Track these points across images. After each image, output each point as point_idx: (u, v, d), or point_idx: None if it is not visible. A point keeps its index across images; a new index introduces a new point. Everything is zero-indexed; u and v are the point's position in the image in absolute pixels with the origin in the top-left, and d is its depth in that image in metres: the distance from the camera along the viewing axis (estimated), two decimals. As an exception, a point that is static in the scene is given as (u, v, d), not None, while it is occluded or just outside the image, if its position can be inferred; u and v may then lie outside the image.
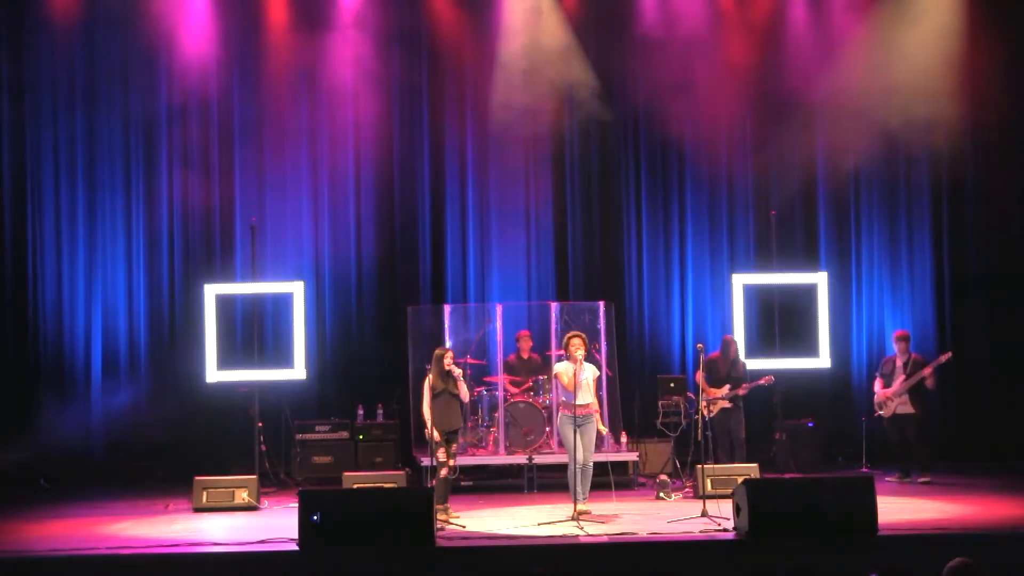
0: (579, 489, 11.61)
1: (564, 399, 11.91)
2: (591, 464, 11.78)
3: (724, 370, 13.99)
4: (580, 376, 11.72)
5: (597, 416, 11.97)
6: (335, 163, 15.87)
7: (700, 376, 13.46)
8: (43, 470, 14.54)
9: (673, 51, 15.71)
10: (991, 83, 15.69)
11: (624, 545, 10.21)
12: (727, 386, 13.89)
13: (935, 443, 14.99)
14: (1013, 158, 15.88)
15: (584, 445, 11.70)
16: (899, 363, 14.04)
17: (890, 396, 13.97)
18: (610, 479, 12.12)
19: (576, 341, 11.79)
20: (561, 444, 12.64)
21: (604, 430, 12.35)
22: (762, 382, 13.93)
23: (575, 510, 11.35)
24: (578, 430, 11.67)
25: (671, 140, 16.11)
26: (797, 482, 11.92)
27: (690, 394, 14.19)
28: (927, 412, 14.30)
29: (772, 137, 15.91)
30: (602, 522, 11.19)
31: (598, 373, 12.19)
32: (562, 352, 13.48)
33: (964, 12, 15.78)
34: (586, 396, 11.75)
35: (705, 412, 13.58)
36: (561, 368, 11.90)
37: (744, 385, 13.88)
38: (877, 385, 14.24)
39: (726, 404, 13.86)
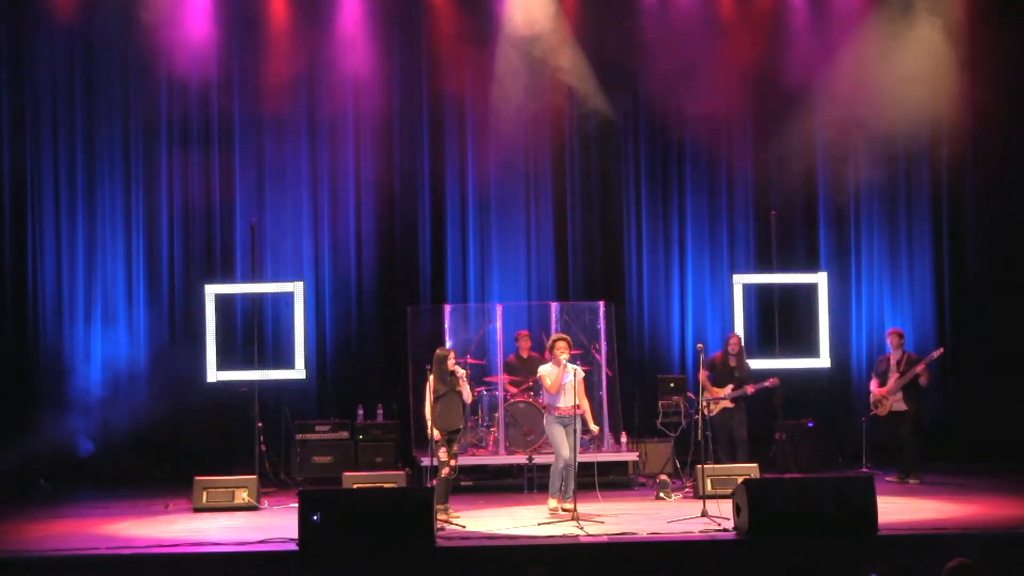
0: (567, 486, 11.73)
1: (549, 401, 12.00)
2: (574, 464, 11.81)
3: (728, 369, 13.98)
4: (563, 379, 11.78)
5: (587, 416, 12.02)
6: (335, 163, 15.88)
7: (703, 375, 13.50)
8: (43, 470, 14.55)
9: (673, 52, 15.71)
10: (991, 83, 15.69)
11: (624, 545, 10.21)
12: (730, 386, 13.88)
13: (934, 442, 15.03)
14: (1013, 158, 15.88)
15: (569, 445, 11.77)
16: (893, 361, 14.06)
17: (885, 394, 13.98)
18: (595, 479, 12.17)
19: (561, 344, 11.87)
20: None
21: (595, 429, 12.38)
22: (767, 384, 13.92)
23: (551, 507, 11.70)
24: (565, 429, 11.79)
25: (671, 140, 16.14)
26: (797, 482, 11.93)
27: (690, 394, 14.18)
28: (922, 410, 14.30)
29: (772, 137, 15.92)
30: (602, 522, 11.19)
31: (583, 374, 12.21)
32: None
33: (964, 14, 15.78)
34: (570, 398, 11.79)
35: (706, 411, 13.61)
36: (545, 371, 11.99)
37: (749, 386, 13.87)
38: (872, 384, 14.27)
39: (728, 404, 13.85)
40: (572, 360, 11.94)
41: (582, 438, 12.84)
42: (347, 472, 12.99)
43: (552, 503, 11.79)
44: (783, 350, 14.77)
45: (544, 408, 12.16)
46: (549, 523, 11.26)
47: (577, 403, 11.78)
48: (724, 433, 13.87)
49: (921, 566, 7.02)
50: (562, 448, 11.76)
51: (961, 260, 16.13)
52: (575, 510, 11.27)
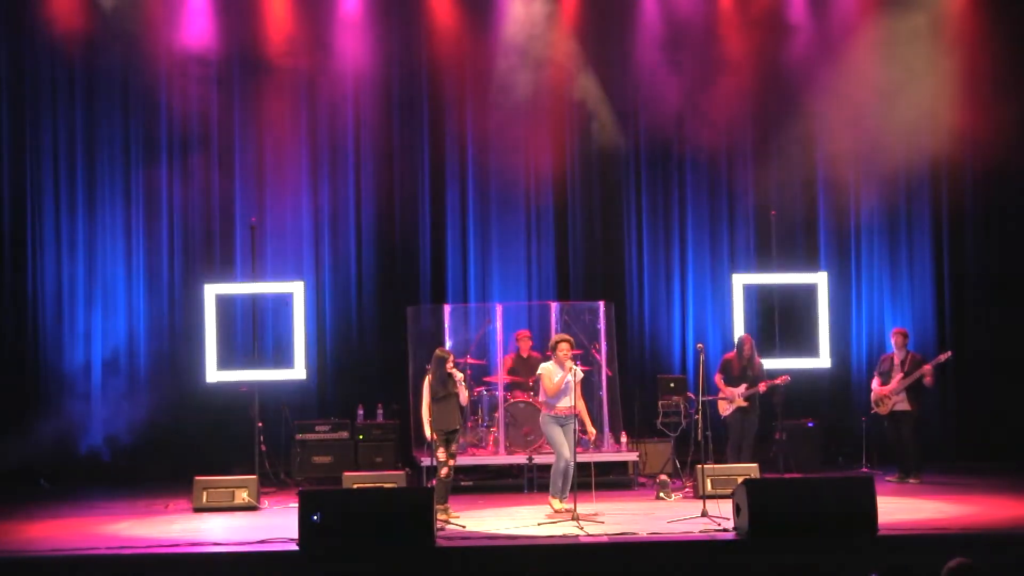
0: (564, 486, 11.74)
1: (547, 400, 11.98)
2: (572, 463, 11.81)
3: (740, 369, 13.98)
4: (568, 379, 11.75)
5: (584, 418, 12.04)
6: (335, 163, 15.89)
7: (718, 378, 13.64)
8: (43, 470, 14.55)
9: (674, 53, 15.74)
10: (991, 85, 15.70)
11: (624, 545, 10.20)
12: (744, 385, 13.88)
13: (934, 442, 15.04)
14: (1012, 158, 15.87)
15: (568, 444, 11.77)
16: (897, 360, 14.06)
17: (887, 394, 13.98)
18: (591, 479, 12.16)
19: (564, 345, 11.88)
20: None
21: (592, 431, 12.38)
22: (778, 382, 13.91)
23: (555, 508, 11.68)
24: (562, 429, 11.81)
25: (671, 140, 16.13)
26: (797, 482, 11.93)
27: (690, 394, 14.18)
28: (925, 410, 14.30)
29: (772, 137, 15.94)
30: (602, 522, 11.19)
31: (582, 375, 12.20)
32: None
33: (964, 18, 15.79)
34: (569, 399, 11.80)
35: (723, 411, 13.65)
36: (547, 370, 11.95)
37: (762, 384, 13.86)
38: (875, 383, 14.27)
39: (743, 404, 13.86)
40: (572, 360, 11.92)
41: (581, 438, 12.85)
42: (347, 472, 13.00)
43: (557, 504, 11.76)
44: (783, 350, 14.75)
45: (542, 407, 12.15)
46: (549, 523, 11.26)
47: (574, 404, 11.80)
48: (736, 433, 13.87)
49: (921, 566, 7.01)
50: (563, 448, 11.76)
51: (961, 260, 16.12)
52: (575, 510, 11.27)
